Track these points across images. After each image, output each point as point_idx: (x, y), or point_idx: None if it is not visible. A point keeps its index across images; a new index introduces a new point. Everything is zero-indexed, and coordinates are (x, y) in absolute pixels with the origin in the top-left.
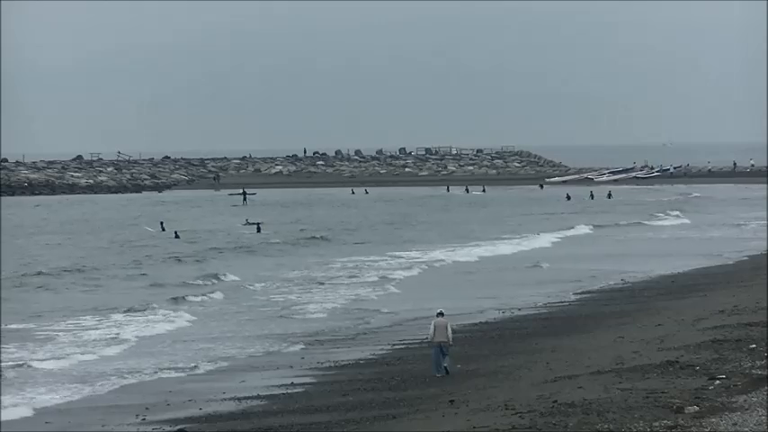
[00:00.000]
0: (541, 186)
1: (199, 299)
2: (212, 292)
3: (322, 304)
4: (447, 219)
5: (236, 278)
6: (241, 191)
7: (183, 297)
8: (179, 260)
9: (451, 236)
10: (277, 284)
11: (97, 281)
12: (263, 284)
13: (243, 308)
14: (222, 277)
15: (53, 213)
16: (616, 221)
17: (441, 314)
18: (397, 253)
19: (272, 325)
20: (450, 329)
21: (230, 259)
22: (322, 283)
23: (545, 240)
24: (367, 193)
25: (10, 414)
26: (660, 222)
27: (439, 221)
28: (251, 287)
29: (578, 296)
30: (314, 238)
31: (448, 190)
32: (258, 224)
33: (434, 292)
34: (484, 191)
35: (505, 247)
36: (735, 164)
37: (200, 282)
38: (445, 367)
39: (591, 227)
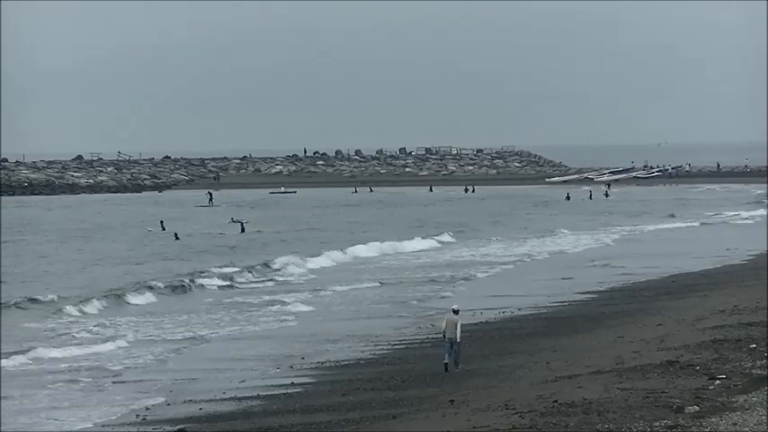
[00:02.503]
0: (608, 188)
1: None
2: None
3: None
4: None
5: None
6: (282, 189)
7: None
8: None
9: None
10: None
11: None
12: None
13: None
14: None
15: (91, 213)
16: (703, 219)
17: (455, 311)
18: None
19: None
20: (459, 327)
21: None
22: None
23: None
24: (371, 191)
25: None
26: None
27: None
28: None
29: (578, 296)
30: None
31: (431, 190)
32: (242, 223)
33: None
34: (473, 191)
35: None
36: (719, 165)
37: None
38: (445, 364)
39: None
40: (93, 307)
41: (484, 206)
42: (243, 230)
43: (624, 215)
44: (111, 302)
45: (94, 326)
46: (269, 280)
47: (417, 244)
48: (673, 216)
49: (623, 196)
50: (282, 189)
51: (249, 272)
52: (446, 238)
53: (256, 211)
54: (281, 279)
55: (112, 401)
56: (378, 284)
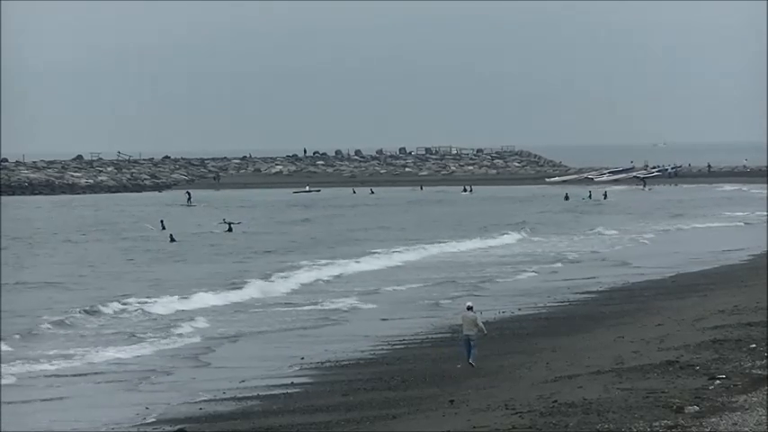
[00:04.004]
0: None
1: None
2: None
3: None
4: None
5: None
6: (307, 188)
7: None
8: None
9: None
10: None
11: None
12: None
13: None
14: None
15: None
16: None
17: (470, 308)
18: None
19: None
20: (480, 322)
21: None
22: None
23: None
24: (372, 192)
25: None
26: None
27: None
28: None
29: (578, 296)
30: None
31: (421, 188)
32: (230, 224)
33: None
34: (471, 190)
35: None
36: (709, 165)
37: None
38: (470, 363)
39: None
40: (160, 307)
41: (512, 205)
42: (230, 230)
43: (661, 215)
44: (172, 302)
45: (162, 326)
46: (335, 281)
47: (497, 241)
48: (707, 216)
49: (629, 196)
50: (307, 188)
51: (310, 269)
52: (517, 235)
53: (307, 211)
54: (342, 281)
55: (127, 402)
56: (430, 283)
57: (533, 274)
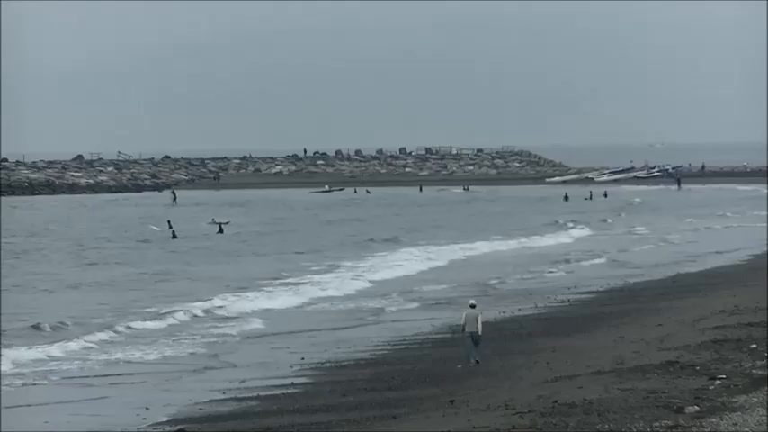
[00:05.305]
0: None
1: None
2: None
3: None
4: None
5: None
6: (326, 188)
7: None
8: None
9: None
10: None
11: None
12: None
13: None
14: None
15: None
16: None
17: (473, 306)
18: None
19: None
20: (480, 321)
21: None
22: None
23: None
24: (369, 192)
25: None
26: None
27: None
28: None
29: (578, 296)
30: None
31: (421, 190)
32: (221, 224)
33: None
34: (468, 189)
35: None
36: (703, 166)
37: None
38: (476, 360)
39: None
40: (221, 308)
41: (537, 205)
42: (221, 231)
43: (694, 214)
44: (229, 304)
45: (211, 326)
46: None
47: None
48: (741, 215)
49: (663, 196)
50: (326, 187)
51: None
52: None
53: (341, 211)
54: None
55: (132, 403)
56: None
57: (562, 273)
